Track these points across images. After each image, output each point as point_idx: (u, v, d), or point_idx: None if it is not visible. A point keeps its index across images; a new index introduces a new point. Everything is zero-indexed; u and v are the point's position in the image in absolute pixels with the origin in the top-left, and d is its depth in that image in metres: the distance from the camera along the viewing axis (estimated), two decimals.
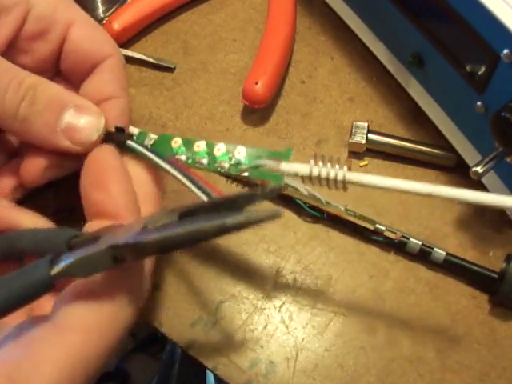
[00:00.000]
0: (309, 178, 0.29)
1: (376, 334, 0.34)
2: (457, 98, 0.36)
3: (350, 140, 0.40)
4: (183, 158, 0.32)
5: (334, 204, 0.36)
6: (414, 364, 0.33)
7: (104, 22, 0.46)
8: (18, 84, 0.30)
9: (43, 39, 0.33)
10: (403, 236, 0.36)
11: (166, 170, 0.31)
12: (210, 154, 0.31)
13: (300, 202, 0.37)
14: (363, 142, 0.40)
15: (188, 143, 0.32)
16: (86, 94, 0.34)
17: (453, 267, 0.36)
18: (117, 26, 0.45)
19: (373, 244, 0.37)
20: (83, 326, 0.24)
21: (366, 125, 0.40)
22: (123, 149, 0.32)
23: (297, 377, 0.33)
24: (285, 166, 0.29)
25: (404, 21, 0.37)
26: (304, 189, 0.37)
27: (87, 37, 0.33)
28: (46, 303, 0.27)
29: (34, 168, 0.32)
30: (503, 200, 0.26)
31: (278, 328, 0.35)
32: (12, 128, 0.31)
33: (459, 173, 0.39)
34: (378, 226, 0.36)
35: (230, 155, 0.31)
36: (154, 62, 0.45)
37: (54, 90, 0.31)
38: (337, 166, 0.29)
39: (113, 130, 0.32)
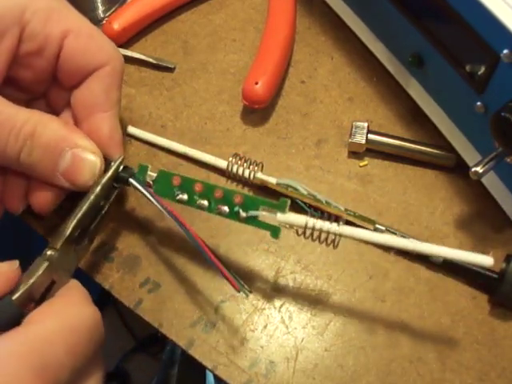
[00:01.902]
0: (303, 229, 0.31)
1: (376, 334, 0.34)
2: (457, 98, 0.36)
3: (350, 140, 0.40)
4: (185, 197, 0.33)
5: (333, 204, 0.36)
6: (414, 364, 0.33)
7: (104, 22, 0.46)
8: (15, 135, 0.31)
9: (40, 55, 0.33)
10: (403, 236, 0.36)
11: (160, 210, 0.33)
12: (210, 197, 0.32)
13: (300, 202, 0.37)
14: (363, 142, 0.40)
15: (188, 183, 0.33)
16: (75, 105, 0.35)
17: (453, 267, 0.36)
18: (117, 26, 0.45)
19: (373, 244, 0.37)
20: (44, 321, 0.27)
21: (365, 125, 0.40)
22: (126, 185, 0.34)
23: (297, 377, 0.33)
24: (280, 217, 0.31)
25: (404, 21, 0.37)
26: (304, 189, 0.37)
27: (80, 48, 0.34)
28: None
29: (43, 200, 0.35)
30: (477, 257, 0.29)
31: (278, 328, 0.35)
32: (17, 169, 0.33)
33: (459, 173, 0.39)
34: (377, 226, 0.36)
35: (229, 201, 0.32)
36: (154, 62, 0.45)
37: (50, 133, 0.32)
38: (328, 223, 0.31)
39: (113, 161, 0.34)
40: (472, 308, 0.35)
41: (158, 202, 0.32)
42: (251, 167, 0.38)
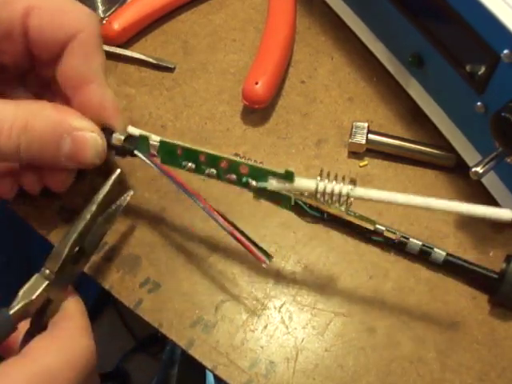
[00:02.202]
0: (314, 194, 0.31)
1: (376, 334, 0.34)
2: (457, 98, 0.36)
3: (350, 140, 0.40)
4: (193, 166, 0.33)
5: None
6: (414, 364, 0.33)
7: (104, 22, 0.46)
8: (7, 134, 0.30)
9: (9, 39, 0.33)
10: (403, 236, 0.36)
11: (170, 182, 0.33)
12: (217, 167, 0.32)
13: (300, 201, 0.37)
14: (363, 142, 0.40)
15: (192, 153, 0.33)
16: (61, 83, 0.34)
17: (453, 267, 0.36)
18: (117, 26, 0.45)
19: (373, 244, 0.37)
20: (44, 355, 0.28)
21: (365, 125, 0.40)
22: (131, 156, 0.34)
23: (297, 377, 0.33)
24: (290, 185, 0.31)
25: (404, 21, 0.37)
26: None
27: (46, 22, 0.33)
28: None
29: (58, 181, 0.36)
30: (495, 211, 0.28)
31: (278, 328, 0.35)
32: (21, 163, 0.33)
33: (459, 173, 0.39)
34: (377, 226, 0.36)
35: (236, 172, 0.32)
36: (154, 62, 0.45)
37: (43, 122, 0.31)
38: (341, 184, 0.30)
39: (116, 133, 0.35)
40: (472, 308, 0.35)
41: (164, 172, 0.33)
42: None
